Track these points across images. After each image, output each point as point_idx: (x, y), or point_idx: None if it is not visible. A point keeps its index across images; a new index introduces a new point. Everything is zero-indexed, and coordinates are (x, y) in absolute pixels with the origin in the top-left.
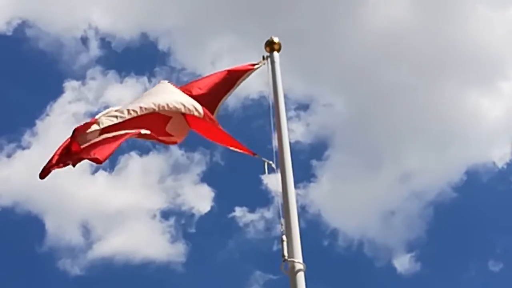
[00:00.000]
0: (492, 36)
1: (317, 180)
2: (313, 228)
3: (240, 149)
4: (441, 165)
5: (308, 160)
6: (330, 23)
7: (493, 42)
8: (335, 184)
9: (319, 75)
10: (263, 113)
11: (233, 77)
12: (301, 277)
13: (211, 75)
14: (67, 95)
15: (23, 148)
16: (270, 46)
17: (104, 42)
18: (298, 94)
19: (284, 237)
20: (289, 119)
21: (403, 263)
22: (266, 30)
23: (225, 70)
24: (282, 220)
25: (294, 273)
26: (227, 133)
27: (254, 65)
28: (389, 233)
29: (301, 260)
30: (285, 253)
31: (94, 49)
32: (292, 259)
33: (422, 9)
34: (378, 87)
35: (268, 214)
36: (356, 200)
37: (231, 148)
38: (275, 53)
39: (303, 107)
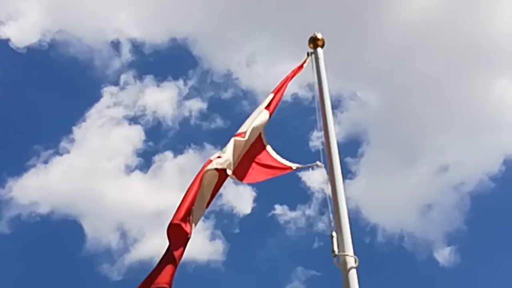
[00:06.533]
0: None
1: (353, 177)
2: (353, 225)
3: (280, 172)
4: (477, 156)
5: (343, 158)
6: (359, 18)
7: None
8: (372, 180)
9: (349, 71)
10: (298, 113)
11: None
12: (353, 271)
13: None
14: (105, 100)
15: (61, 154)
16: (314, 42)
17: (135, 47)
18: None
19: (334, 233)
20: None
21: (444, 255)
22: (296, 28)
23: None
24: (331, 216)
25: (346, 267)
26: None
27: (302, 64)
28: (428, 226)
29: (352, 253)
30: (335, 248)
31: (126, 54)
32: (343, 253)
33: (452, 0)
34: (409, 80)
35: (309, 211)
36: (394, 195)
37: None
38: (319, 49)
39: (334, 105)
